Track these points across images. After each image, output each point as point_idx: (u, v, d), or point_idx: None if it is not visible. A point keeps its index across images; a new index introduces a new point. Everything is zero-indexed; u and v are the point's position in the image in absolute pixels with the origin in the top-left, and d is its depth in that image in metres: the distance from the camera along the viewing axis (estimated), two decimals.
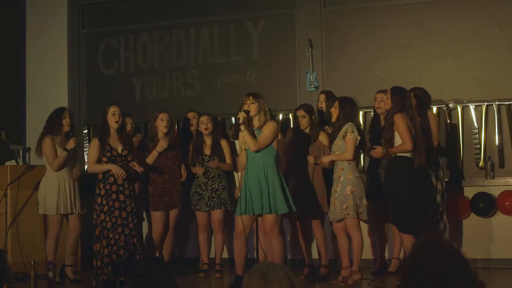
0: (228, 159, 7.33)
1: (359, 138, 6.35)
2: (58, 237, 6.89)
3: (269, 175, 5.94)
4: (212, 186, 7.25)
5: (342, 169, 6.35)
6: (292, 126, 7.48)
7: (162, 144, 7.02)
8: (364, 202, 6.34)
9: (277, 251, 5.95)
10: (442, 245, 2.62)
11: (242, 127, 5.92)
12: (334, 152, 6.44)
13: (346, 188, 6.30)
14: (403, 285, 2.60)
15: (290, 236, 7.67)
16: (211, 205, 7.22)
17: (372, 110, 7.20)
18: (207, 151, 7.30)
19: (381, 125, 6.91)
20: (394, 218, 6.20)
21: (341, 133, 6.39)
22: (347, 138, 6.34)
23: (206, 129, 7.27)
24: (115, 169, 6.52)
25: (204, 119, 7.31)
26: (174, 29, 8.49)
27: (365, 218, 6.48)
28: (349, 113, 6.44)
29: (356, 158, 6.44)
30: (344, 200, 6.29)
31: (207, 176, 7.26)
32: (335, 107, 6.54)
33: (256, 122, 6.05)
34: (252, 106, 6.02)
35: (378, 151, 6.36)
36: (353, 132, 6.34)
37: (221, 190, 7.26)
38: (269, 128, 6.01)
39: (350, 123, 6.40)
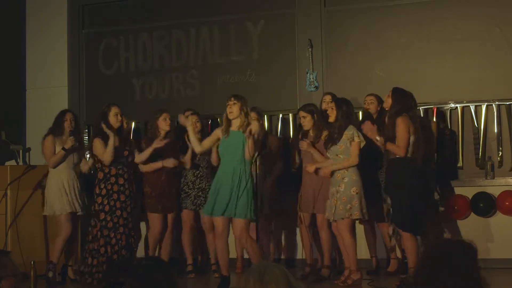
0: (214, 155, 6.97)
1: (364, 142, 6.34)
2: (67, 239, 6.80)
3: (242, 180, 5.97)
4: (200, 185, 7.19)
5: (346, 170, 6.35)
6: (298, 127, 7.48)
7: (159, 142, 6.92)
8: (363, 202, 6.35)
9: (252, 255, 6.00)
10: (463, 244, 2.67)
11: (254, 136, 5.95)
12: (336, 154, 6.40)
13: (351, 189, 6.29)
14: (418, 277, 2.63)
15: (287, 236, 7.68)
16: (198, 204, 7.16)
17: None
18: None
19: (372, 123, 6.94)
20: (395, 217, 6.18)
21: (346, 137, 6.36)
22: (354, 143, 6.32)
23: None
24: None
25: (193, 119, 7.27)
26: (174, 29, 8.49)
27: (367, 218, 6.47)
28: (346, 112, 6.42)
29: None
30: (348, 201, 6.27)
31: (195, 174, 7.21)
32: (332, 108, 6.54)
33: (237, 122, 6.07)
34: (234, 107, 6.04)
35: (370, 128, 6.27)
36: (359, 136, 6.34)
37: (207, 190, 7.16)
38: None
39: (353, 126, 6.38)
